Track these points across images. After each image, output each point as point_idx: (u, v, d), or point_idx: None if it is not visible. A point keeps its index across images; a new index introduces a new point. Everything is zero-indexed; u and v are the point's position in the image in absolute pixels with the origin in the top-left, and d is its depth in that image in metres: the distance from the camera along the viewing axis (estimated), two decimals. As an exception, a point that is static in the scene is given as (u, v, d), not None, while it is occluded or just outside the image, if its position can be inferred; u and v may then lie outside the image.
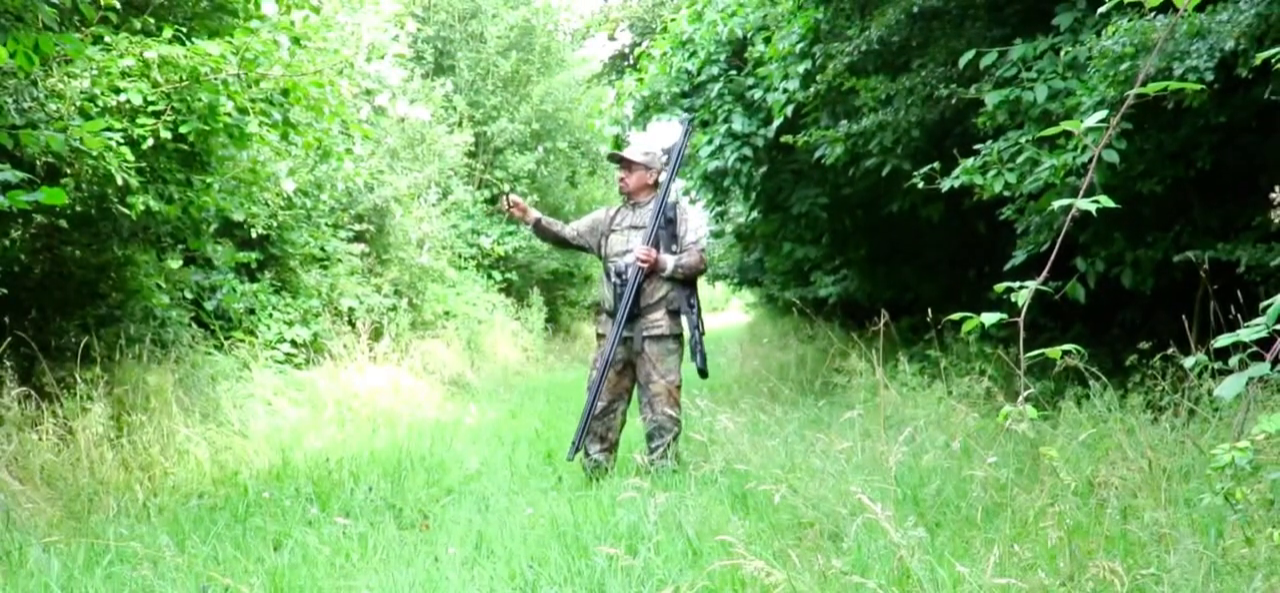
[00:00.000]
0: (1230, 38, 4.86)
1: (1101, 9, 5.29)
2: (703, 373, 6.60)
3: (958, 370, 7.45)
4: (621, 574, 3.99)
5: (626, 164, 6.72)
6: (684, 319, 6.63)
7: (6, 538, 5.00)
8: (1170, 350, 5.38)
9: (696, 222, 6.74)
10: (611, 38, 21.64)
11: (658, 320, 6.51)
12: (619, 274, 6.52)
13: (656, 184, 6.72)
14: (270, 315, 10.51)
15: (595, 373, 6.58)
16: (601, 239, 6.82)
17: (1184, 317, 5.66)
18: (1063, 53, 5.87)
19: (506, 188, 6.78)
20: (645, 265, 6.41)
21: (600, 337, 6.72)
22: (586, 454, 6.60)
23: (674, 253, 6.53)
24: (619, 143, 12.12)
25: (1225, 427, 4.63)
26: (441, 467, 7.22)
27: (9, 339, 6.32)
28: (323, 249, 11.77)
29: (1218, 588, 3.11)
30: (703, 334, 6.60)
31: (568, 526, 5.04)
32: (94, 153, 5.46)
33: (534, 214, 6.77)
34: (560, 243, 6.98)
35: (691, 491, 5.47)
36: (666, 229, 6.56)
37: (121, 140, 5.62)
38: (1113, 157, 5.24)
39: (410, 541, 5.10)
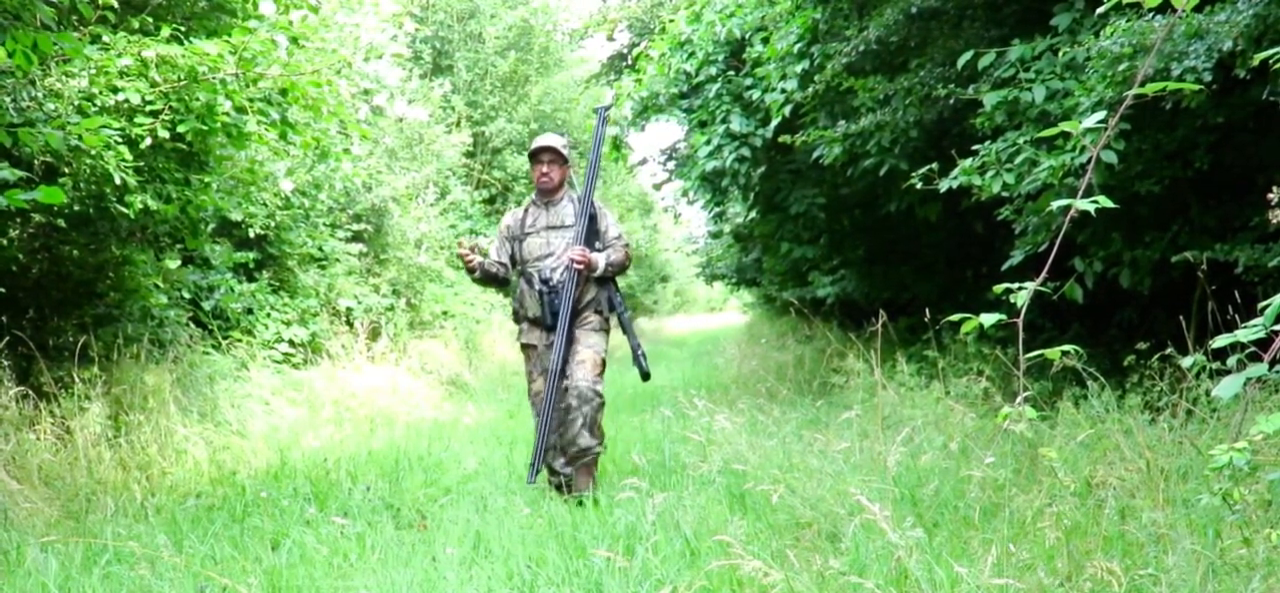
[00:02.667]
0: (1228, 38, 4.86)
1: (1100, 9, 5.29)
2: (645, 375, 6.30)
3: (955, 371, 7.46)
4: (619, 575, 3.99)
5: (558, 156, 6.21)
6: (611, 318, 6.30)
7: (4, 538, 5.00)
8: (1168, 351, 5.39)
9: (614, 215, 6.42)
10: (610, 38, 21.64)
11: (587, 320, 6.15)
12: (545, 281, 6.09)
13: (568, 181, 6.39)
14: (268, 315, 10.51)
15: (541, 392, 6.17)
16: (514, 245, 6.29)
17: (1182, 317, 5.66)
18: (1061, 53, 5.87)
19: (464, 241, 6.16)
20: (582, 268, 6.01)
21: (528, 348, 6.27)
22: (551, 472, 6.17)
23: (597, 250, 6.16)
24: (618, 143, 12.08)
25: (1223, 427, 4.63)
26: (439, 467, 7.22)
27: (7, 339, 6.32)
28: (321, 249, 11.77)
29: (1215, 589, 3.11)
30: (630, 329, 6.27)
31: (565, 526, 5.04)
32: (92, 151, 5.46)
33: (476, 259, 6.11)
34: (501, 284, 6.41)
35: (689, 491, 5.47)
36: (588, 226, 6.17)
37: (119, 139, 5.63)
38: (1111, 157, 5.23)
39: (408, 541, 5.09)
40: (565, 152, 6.22)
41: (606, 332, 6.22)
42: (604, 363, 6.13)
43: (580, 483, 5.99)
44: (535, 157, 6.19)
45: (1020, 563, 3.51)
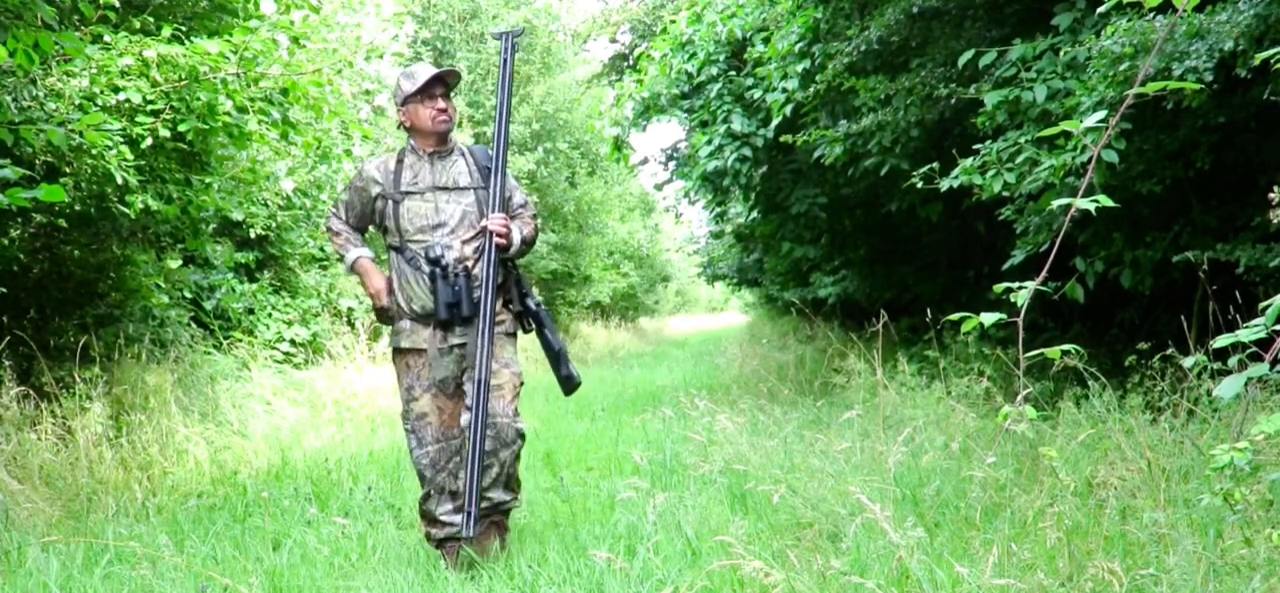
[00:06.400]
0: (1229, 38, 4.85)
1: (1101, 9, 5.28)
2: (571, 384, 4.86)
3: (957, 371, 7.45)
4: (620, 575, 3.98)
5: (452, 88, 4.71)
6: (522, 309, 4.78)
7: (5, 538, 5.00)
8: (1169, 351, 5.38)
9: (513, 177, 4.92)
10: (613, 40, 21.69)
11: (498, 316, 4.64)
12: (436, 261, 4.48)
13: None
14: (269, 315, 10.52)
15: (435, 428, 4.68)
16: (387, 208, 4.64)
17: (1183, 317, 5.66)
18: (1062, 53, 5.86)
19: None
20: (504, 241, 4.54)
21: (406, 354, 4.67)
22: (432, 522, 4.69)
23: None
24: (619, 144, 12.06)
25: (1224, 427, 4.63)
26: (440, 467, 7.20)
27: (8, 339, 6.32)
28: (322, 249, 11.78)
29: (1217, 589, 3.11)
30: (551, 325, 4.82)
31: (566, 526, 5.04)
32: (94, 150, 5.47)
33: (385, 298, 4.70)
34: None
35: (691, 491, 5.47)
36: (486, 190, 4.65)
37: (120, 139, 5.63)
38: (1112, 156, 5.23)
39: (409, 541, 5.10)
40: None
41: (515, 334, 4.79)
42: (521, 379, 4.74)
43: (486, 542, 4.58)
44: (426, 91, 4.59)
45: (1021, 563, 3.51)
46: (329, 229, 4.84)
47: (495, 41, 4.84)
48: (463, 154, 4.70)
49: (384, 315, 4.71)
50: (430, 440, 4.64)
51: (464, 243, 4.56)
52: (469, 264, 4.54)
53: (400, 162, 4.65)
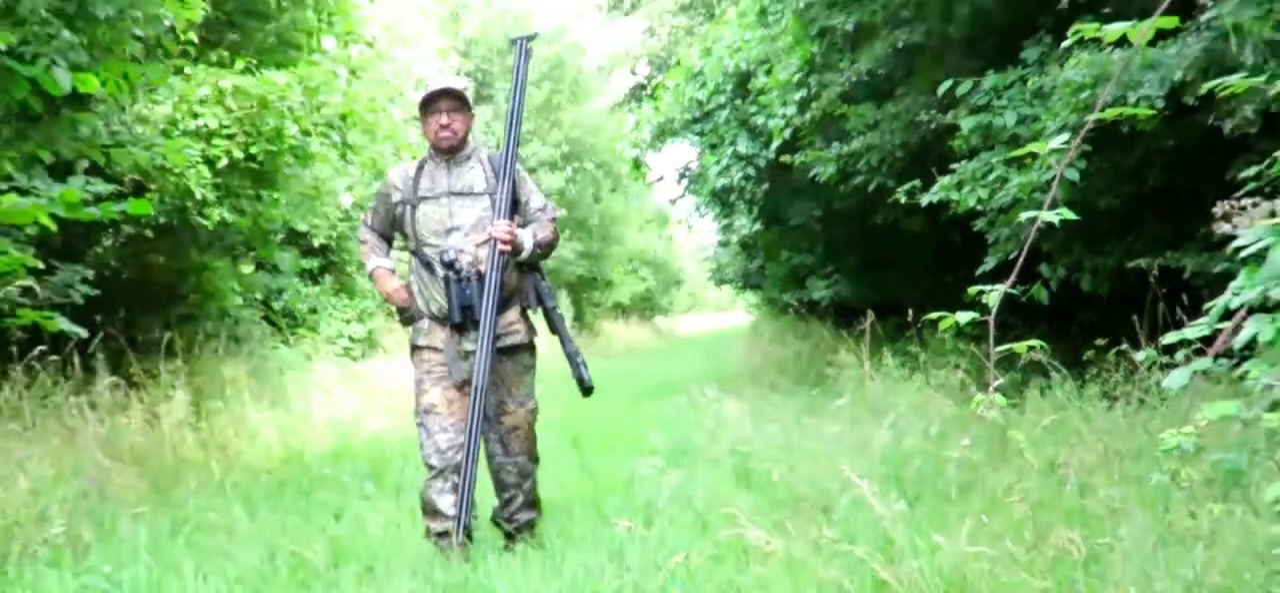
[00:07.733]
0: (1179, 69, 4.84)
1: (1065, 43, 5.27)
2: (588, 388, 4.34)
3: (935, 364, 7.42)
4: (639, 543, 3.99)
5: (460, 102, 4.26)
6: (542, 316, 4.40)
7: (100, 509, 5.04)
8: (1124, 347, 5.36)
9: (532, 181, 4.53)
10: (633, 72, 21.70)
11: (513, 325, 4.32)
12: (450, 264, 4.14)
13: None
14: (330, 314, 10.57)
15: (444, 418, 4.30)
16: (406, 213, 4.30)
17: (1136, 317, 5.63)
18: (1030, 82, 5.85)
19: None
20: (508, 249, 4.16)
21: (422, 350, 4.34)
22: (436, 514, 4.23)
23: (518, 226, 4.29)
24: (638, 163, 12.07)
25: (1172, 414, 4.61)
26: (480, 448, 7.21)
27: (101, 335, 6.36)
28: (376, 256, 11.80)
29: (1165, 557, 3.10)
30: (565, 331, 4.37)
31: (591, 500, 5.06)
32: (176, 170, 5.51)
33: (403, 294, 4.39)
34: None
35: (701, 469, 5.48)
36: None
37: (199, 159, 5.68)
38: (1074, 175, 5.22)
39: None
40: (469, 96, 4.35)
41: (535, 352, 4.45)
42: (537, 414, 4.48)
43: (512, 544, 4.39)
44: (430, 104, 4.23)
45: (992, 533, 3.50)
46: (360, 238, 4.59)
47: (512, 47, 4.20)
48: (480, 161, 4.31)
49: (406, 316, 4.41)
50: (437, 430, 4.27)
51: (478, 246, 4.17)
52: (482, 268, 4.16)
53: (421, 168, 4.32)
